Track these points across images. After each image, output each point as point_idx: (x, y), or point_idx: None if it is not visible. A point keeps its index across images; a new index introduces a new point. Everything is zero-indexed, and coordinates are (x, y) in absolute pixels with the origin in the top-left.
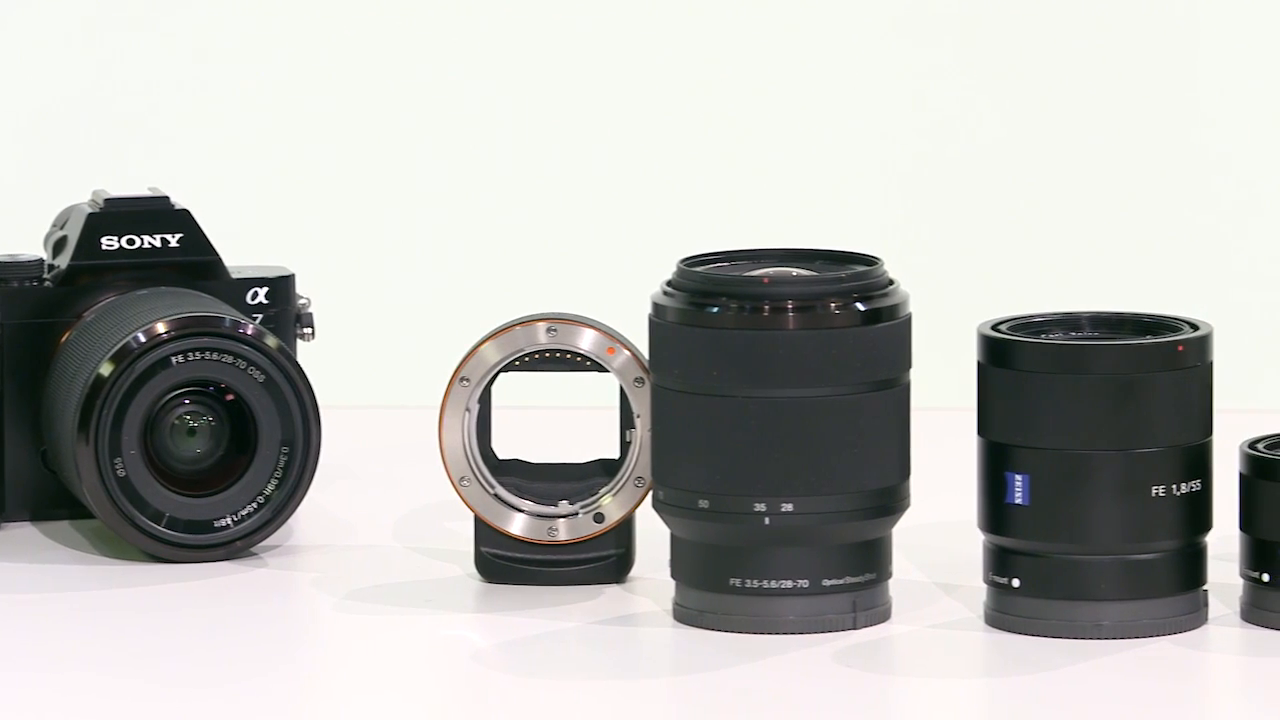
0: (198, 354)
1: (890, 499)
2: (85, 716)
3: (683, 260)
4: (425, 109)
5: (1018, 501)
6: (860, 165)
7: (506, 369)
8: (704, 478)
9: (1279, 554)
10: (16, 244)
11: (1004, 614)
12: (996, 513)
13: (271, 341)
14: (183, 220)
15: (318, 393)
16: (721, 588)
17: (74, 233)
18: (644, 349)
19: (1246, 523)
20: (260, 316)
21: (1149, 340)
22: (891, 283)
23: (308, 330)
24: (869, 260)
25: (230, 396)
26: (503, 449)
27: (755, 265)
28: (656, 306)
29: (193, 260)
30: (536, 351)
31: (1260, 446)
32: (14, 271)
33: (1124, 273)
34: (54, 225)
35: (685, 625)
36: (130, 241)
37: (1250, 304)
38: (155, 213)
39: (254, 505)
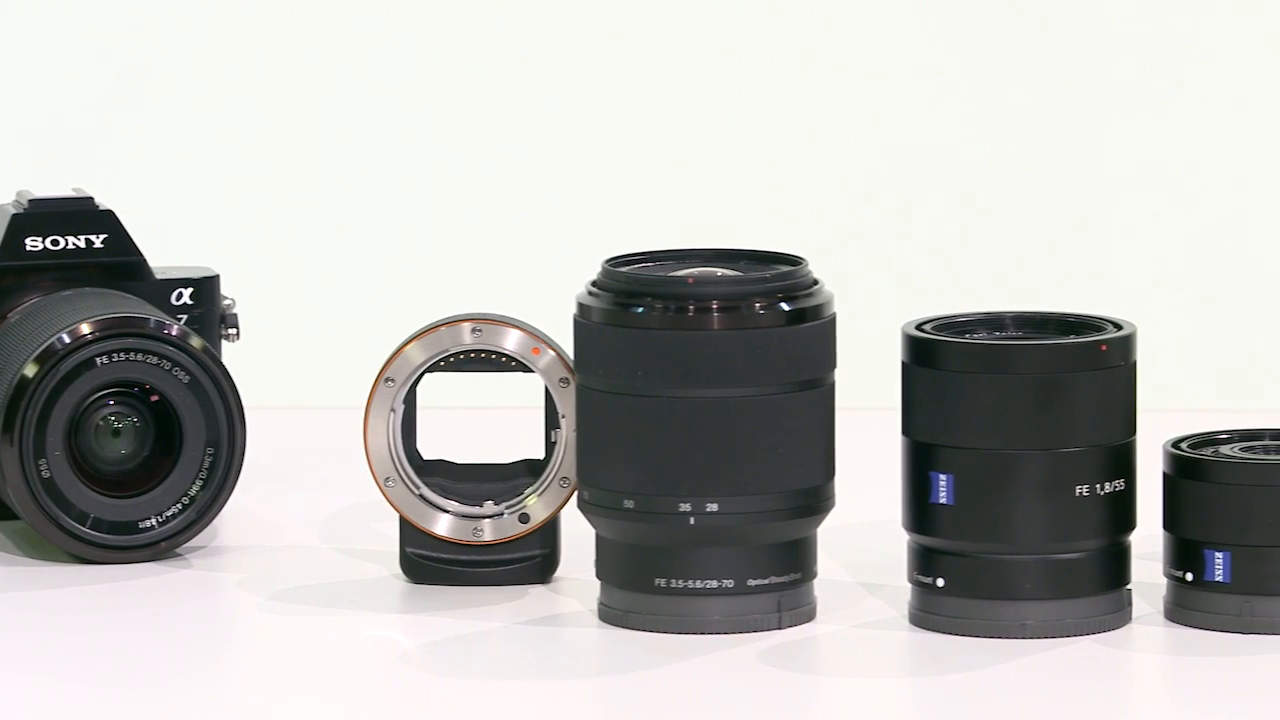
0: (122, 355)
1: (815, 499)
2: (10, 717)
3: (608, 260)
4: (348, 109)
5: (942, 501)
6: (785, 166)
7: (431, 369)
8: (629, 478)
9: (1202, 553)
10: None
11: (928, 613)
12: (921, 512)
13: (196, 342)
14: (107, 221)
15: (242, 393)
16: (647, 588)
17: None
18: (569, 349)
19: (1170, 522)
20: (185, 317)
21: (1073, 340)
22: (816, 283)
23: (232, 331)
24: (793, 260)
25: (155, 397)
26: (428, 449)
27: (680, 265)
28: (581, 307)
29: (117, 261)
30: (461, 352)
31: (1184, 446)
32: None
33: (1048, 272)
34: None
35: (610, 625)
36: (55, 242)
37: (1173, 304)
38: (80, 213)
39: (179, 506)
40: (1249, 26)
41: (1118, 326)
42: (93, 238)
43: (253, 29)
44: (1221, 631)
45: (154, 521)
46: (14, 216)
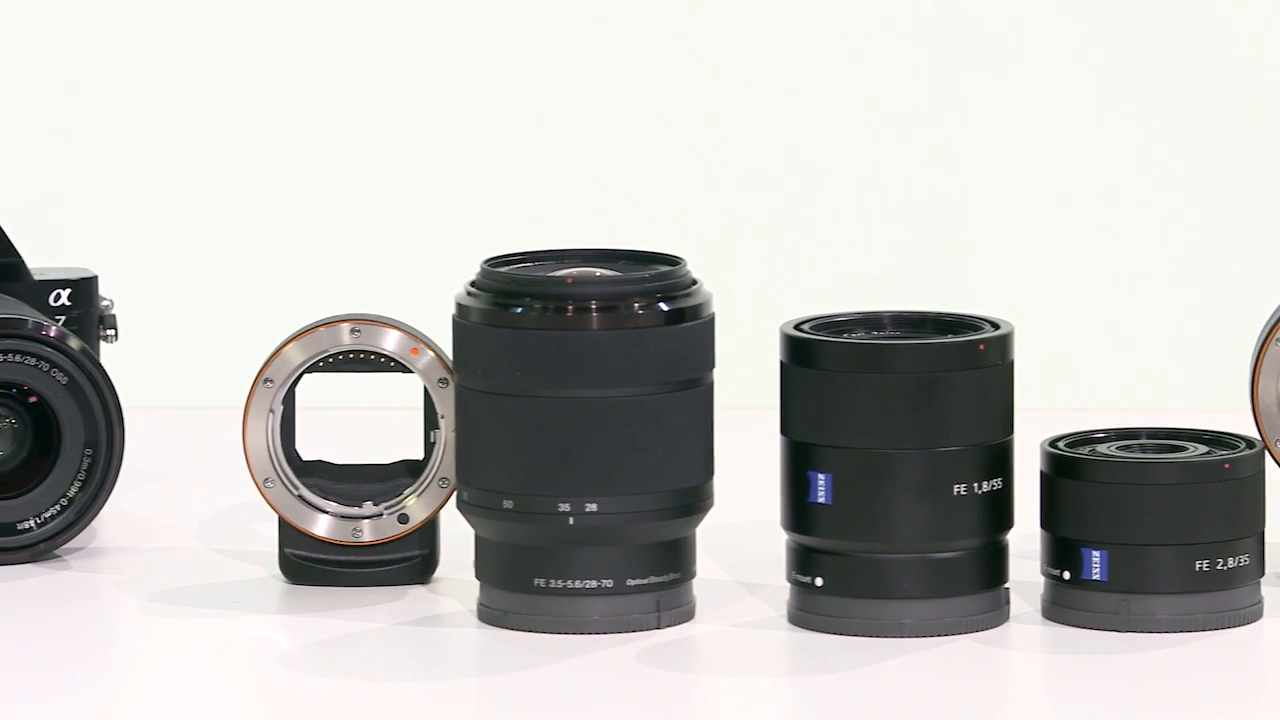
0: (0, 356)
1: (694, 498)
2: None
3: (486, 260)
4: (227, 110)
5: (820, 500)
6: (664, 166)
7: (310, 370)
8: (508, 478)
9: (1079, 552)
10: None
11: (807, 613)
12: (799, 512)
13: (74, 343)
14: None
15: (121, 394)
16: (526, 588)
17: None
18: (448, 349)
19: (1047, 521)
20: (63, 318)
21: (950, 339)
22: (695, 283)
23: (111, 332)
24: (672, 260)
25: (33, 398)
26: (307, 450)
27: (559, 265)
28: (460, 307)
29: None
30: (340, 352)
31: (1061, 445)
32: None
33: (926, 272)
34: None
35: (490, 625)
36: None
37: (1050, 303)
38: None
39: (57, 507)
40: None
41: (995, 326)
42: None
43: (128, 29)
44: (1099, 630)
45: (32, 523)
46: None
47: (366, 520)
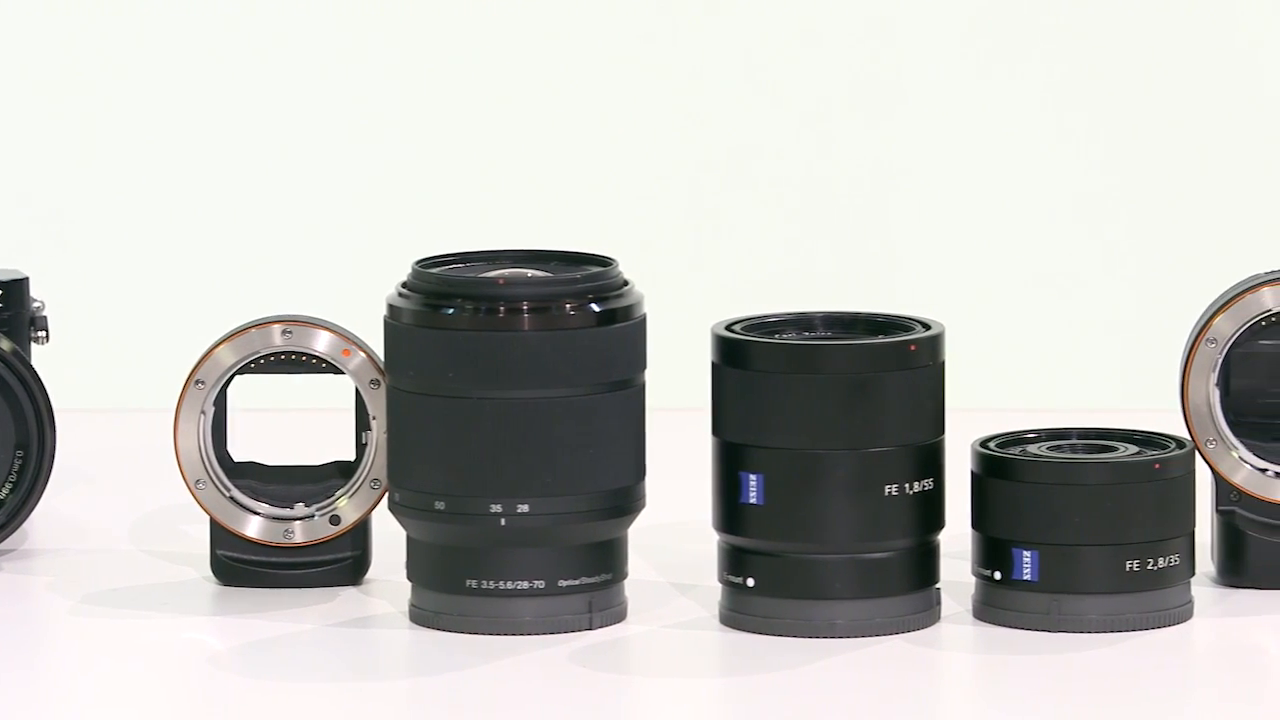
0: None
1: (626, 499)
2: None
3: (418, 262)
4: (158, 111)
5: (752, 501)
6: (595, 166)
7: (242, 371)
8: (440, 479)
9: (1010, 552)
10: None
11: (739, 613)
12: (731, 512)
13: (5, 345)
14: None
15: (52, 396)
16: (458, 589)
17: None
18: (380, 351)
19: (978, 521)
20: None
21: (881, 340)
22: (626, 284)
23: (42, 334)
24: (604, 261)
25: None
26: (238, 452)
27: (490, 266)
28: (392, 308)
29: None
30: (272, 353)
31: (991, 445)
32: None
33: (857, 273)
34: None
35: (421, 626)
36: None
37: (981, 303)
38: None
39: None
40: (1051, 28)
41: (926, 326)
42: None
43: (53, 28)
44: (1029, 630)
45: None
46: None
47: (298, 521)
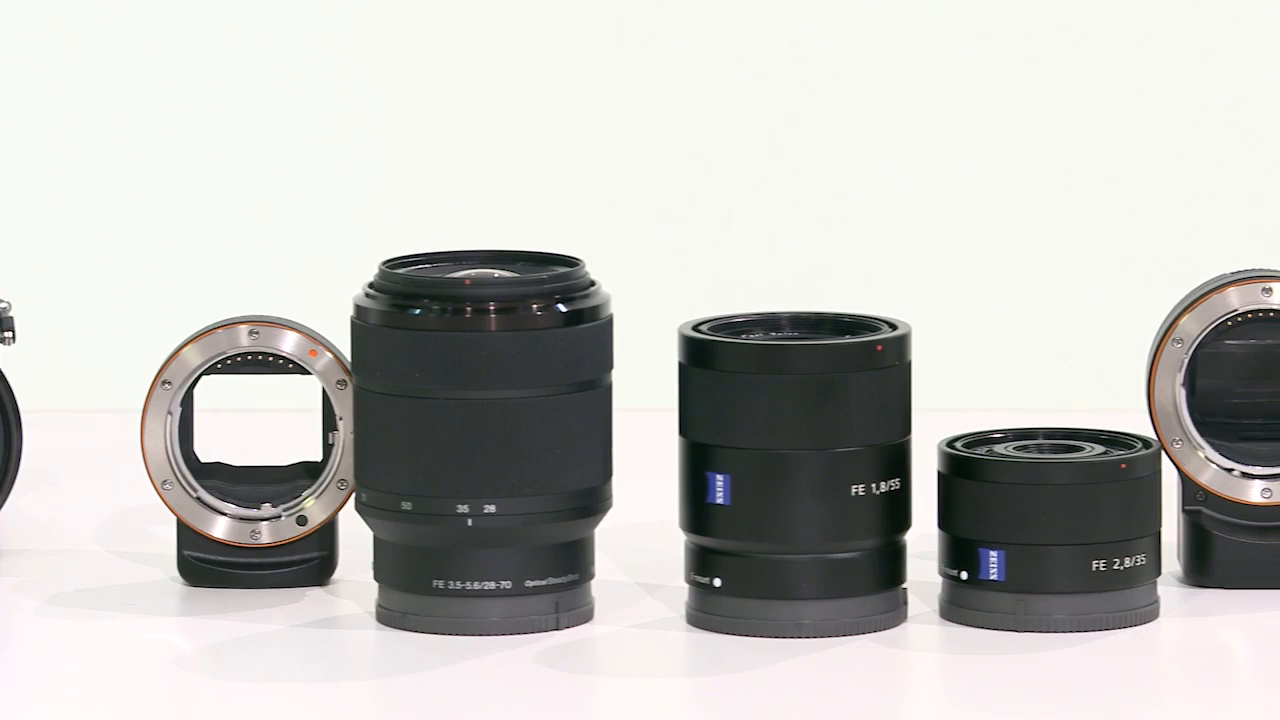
0: None
1: (592, 500)
2: None
3: (384, 262)
4: (123, 110)
5: (719, 501)
6: (562, 167)
7: (209, 372)
8: (406, 480)
9: (977, 552)
10: None
11: (706, 614)
12: (698, 513)
13: None
14: None
15: (19, 396)
16: (424, 589)
17: None
18: (347, 351)
19: (945, 521)
20: None
21: (848, 340)
22: (593, 284)
23: (8, 334)
24: (570, 261)
25: None
26: (205, 452)
27: (457, 267)
28: (359, 308)
29: None
30: (239, 354)
31: (958, 445)
32: None
33: (824, 273)
34: None
35: (388, 627)
36: None
37: (948, 303)
38: None
39: None
40: (1017, 29)
41: (893, 326)
42: None
43: (16, 27)
44: (996, 629)
45: None
46: None
47: (265, 522)
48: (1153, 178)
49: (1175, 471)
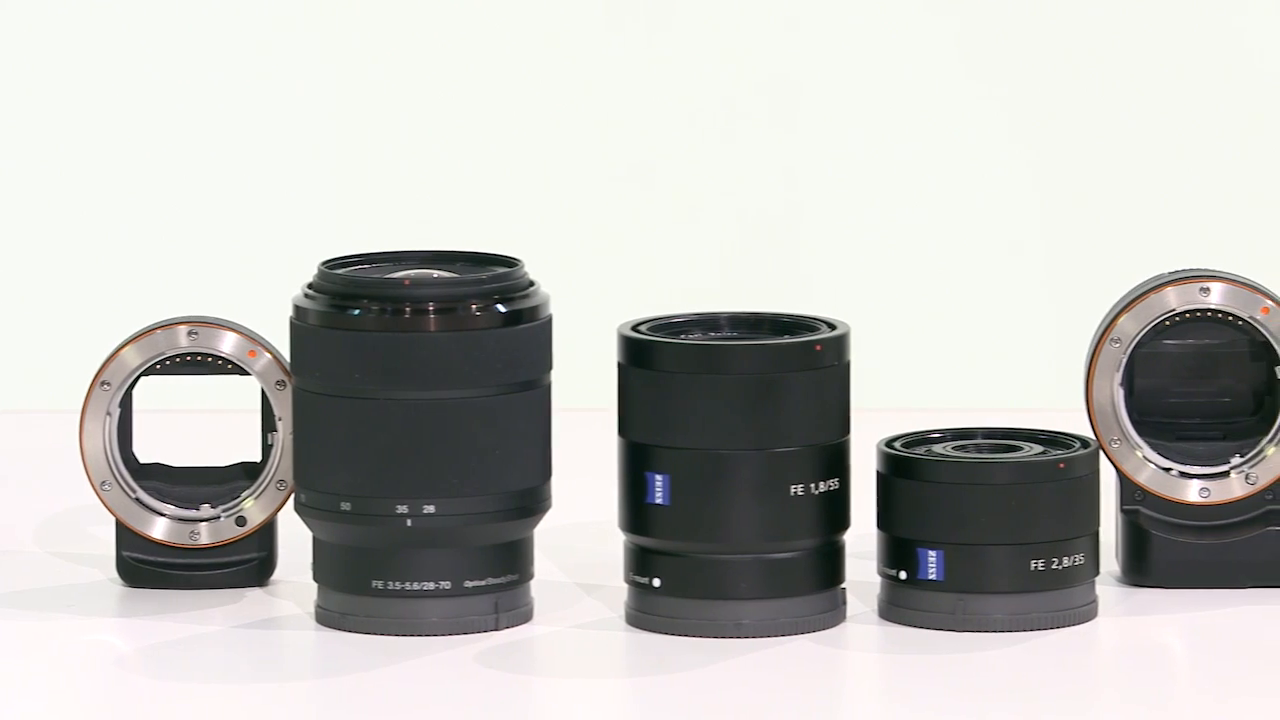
0: None
1: (532, 500)
2: None
3: (323, 263)
4: (63, 108)
5: (658, 501)
6: (501, 166)
7: (147, 373)
8: (346, 480)
9: (915, 552)
10: None
11: (645, 614)
12: (637, 513)
13: None
14: None
15: None
16: (364, 590)
17: None
18: (285, 352)
19: (884, 521)
20: None
21: (787, 340)
22: (532, 284)
23: None
24: (509, 262)
25: None
26: (144, 453)
27: (396, 267)
28: (298, 309)
29: None
30: (178, 355)
31: (897, 445)
32: None
33: (762, 273)
34: None
35: (328, 628)
36: None
37: (886, 303)
38: None
39: None
40: (953, 27)
41: (831, 326)
42: None
43: None
44: (935, 629)
45: None
46: None
47: (204, 523)
48: (1090, 178)
49: (1113, 471)
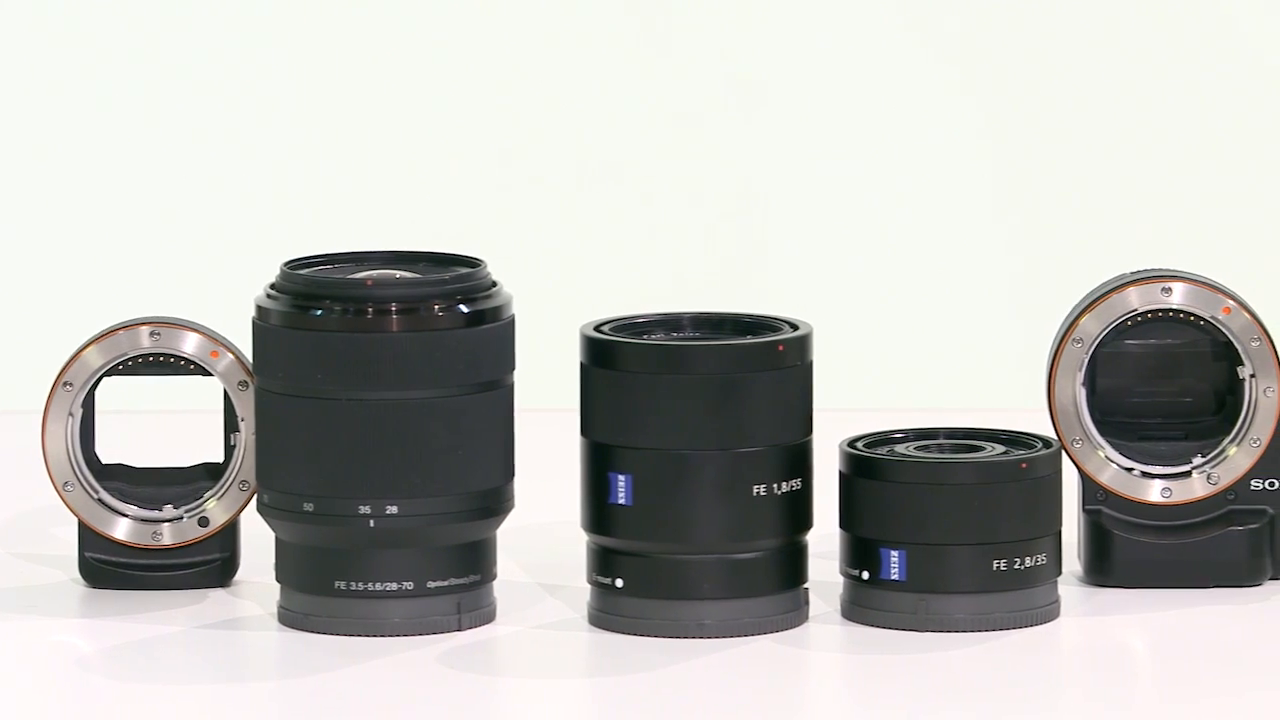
0: None
1: (494, 500)
2: None
3: (286, 263)
4: (25, 109)
5: (620, 502)
6: (462, 165)
7: (110, 373)
8: (308, 481)
9: (878, 552)
10: None
11: (608, 614)
12: (599, 513)
13: None
14: None
15: None
16: (326, 590)
17: None
18: (248, 352)
19: (846, 521)
20: None
21: (749, 340)
22: (494, 284)
23: None
24: (472, 262)
25: None
26: (106, 453)
27: (359, 268)
28: (260, 309)
29: None
30: (140, 355)
31: (859, 445)
32: None
33: (725, 273)
34: None
35: (290, 628)
36: None
37: (849, 303)
38: None
39: None
40: (919, 25)
41: (794, 327)
42: None
43: None
44: (898, 629)
45: None
46: None
47: (166, 523)
48: (1052, 178)
49: (1076, 471)
